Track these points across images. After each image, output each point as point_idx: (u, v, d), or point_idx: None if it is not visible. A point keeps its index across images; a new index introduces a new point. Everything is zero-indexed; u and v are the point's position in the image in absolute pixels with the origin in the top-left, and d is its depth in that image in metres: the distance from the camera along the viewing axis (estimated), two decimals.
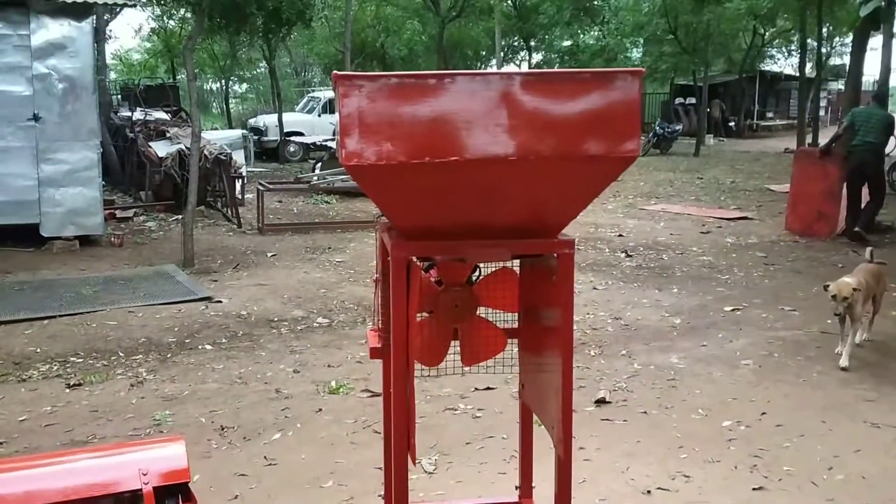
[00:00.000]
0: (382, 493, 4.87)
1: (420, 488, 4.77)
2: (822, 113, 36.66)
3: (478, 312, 2.58)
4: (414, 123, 2.05)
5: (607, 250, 12.65)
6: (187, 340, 8.11)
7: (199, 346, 7.93)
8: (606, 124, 2.10)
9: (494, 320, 2.67)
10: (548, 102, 2.10)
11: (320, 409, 6.25)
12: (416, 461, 2.17)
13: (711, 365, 7.12)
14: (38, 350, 7.74)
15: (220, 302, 9.51)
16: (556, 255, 2.26)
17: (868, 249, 8.10)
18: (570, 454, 2.18)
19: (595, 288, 10.20)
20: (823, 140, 20.00)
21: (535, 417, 2.82)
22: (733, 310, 9.04)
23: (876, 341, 7.70)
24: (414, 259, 2.29)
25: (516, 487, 2.78)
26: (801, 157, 14.57)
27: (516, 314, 2.70)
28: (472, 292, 2.55)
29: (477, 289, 2.56)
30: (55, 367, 7.28)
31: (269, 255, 12.39)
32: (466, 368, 2.74)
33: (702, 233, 14.10)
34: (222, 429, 5.87)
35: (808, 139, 27.72)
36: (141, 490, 2.63)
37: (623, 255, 12.26)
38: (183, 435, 3.09)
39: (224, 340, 8.12)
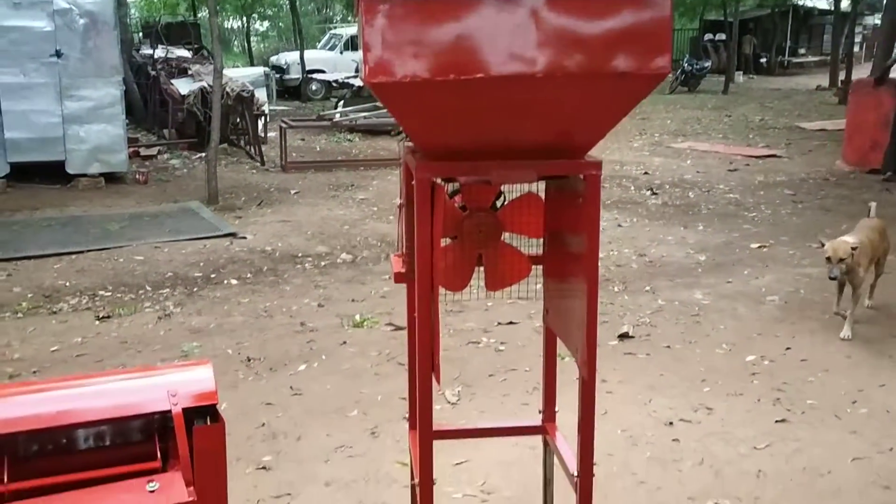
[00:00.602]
0: (407, 417, 4.95)
1: (443, 418, 4.83)
2: (856, 49, 35.58)
3: (502, 238, 2.56)
4: (438, 40, 1.99)
5: (633, 188, 12.52)
6: (213, 275, 8.18)
7: (225, 281, 8.00)
8: (636, 40, 2.03)
9: (518, 246, 2.65)
10: (576, 18, 2.04)
11: (345, 342, 6.31)
12: (441, 389, 2.18)
13: (736, 301, 7.08)
14: (67, 284, 7.86)
15: (245, 238, 9.56)
16: (582, 176, 2.22)
17: (871, 205, 6.93)
18: (594, 376, 2.17)
19: (620, 225, 10.13)
20: (859, 76, 19.49)
21: (559, 347, 2.82)
22: (760, 247, 8.95)
23: None
24: (438, 181, 2.26)
25: (539, 412, 2.79)
26: (857, 88, 14.32)
27: (541, 240, 2.68)
28: (496, 218, 2.52)
29: (501, 214, 2.53)
30: (84, 300, 7.40)
31: (293, 192, 12.40)
32: (491, 295, 2.73)
33: (729, 171, 13.89)
34: (249, 360, 5.96)
35: (842, 76, 26.99)
36: (170, 411, 2.67)
37: (648, 192, 12.13)
38: (209, 360, 3.13)
39: (249, 275, 8.19)
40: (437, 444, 4.53)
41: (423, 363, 2.14)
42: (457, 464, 4.39)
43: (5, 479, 2.52)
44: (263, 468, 4.39)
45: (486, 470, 4.32)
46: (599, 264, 7.93)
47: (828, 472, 4.23)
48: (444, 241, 2.55)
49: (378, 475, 4.29)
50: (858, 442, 4.55)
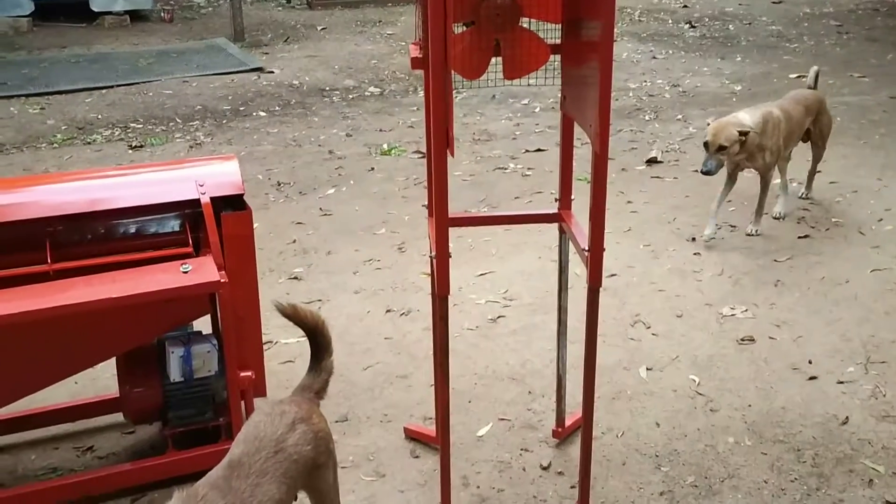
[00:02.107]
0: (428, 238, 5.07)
1: (468, 234, 4.93)
2: None
3: (520, 23, 2.52)
4: None
5: (670, 21, 12.07)
6: (241, 108, 8.20)
7: (254, 113, 8.03)
8: None
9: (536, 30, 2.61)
10: None
11: (372, 168, 6.37)
12: (454, 155, 2.22)
13: None
14: (99, 116, 7.94)
15: (272, 73, 9.49)
16: None
17: (813, 69, 5.51)
18: (606, 149, 2.19)
19: (654, 57, 9.85)
20: None
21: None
22: (798, 76, 8.66)
23: None
24: None
25: (556, 200, 2.85)
26: None
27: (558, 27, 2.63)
28: (514, 2, 2.47)
29: None
30: (117, 132, 7.50)
31: (319, 28, 12.16)
32: (509, 88, 2.72)
33: (773, 3, 13.26)
34: (279, 184, 6.07)
35: None
36: (199, 200, 2.78)
37: (687, 25, 11.69)
38: (235, 155, 3.20)
39: (277, 108, 8.19)
40: (462, 258, 4.69)
41: (438, 141, 2.18)
42: (480, 274, 4.52)
43: (49, 260, 2.67)
44: (295, 278, 4.57)
45: (508, 279, 4.46)
46: (631, 94, 7.82)
47: (846, 281, 4.30)
48: (461, 28, 2.53)
49: (404, 284, 4.45)
50: (880, 255, 4.59)
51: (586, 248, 2.36)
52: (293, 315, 2.39)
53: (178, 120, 7.83)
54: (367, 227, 5.25)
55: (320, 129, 7.46)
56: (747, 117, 4.69)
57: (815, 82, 5.45)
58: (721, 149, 4.56)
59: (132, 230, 2.84)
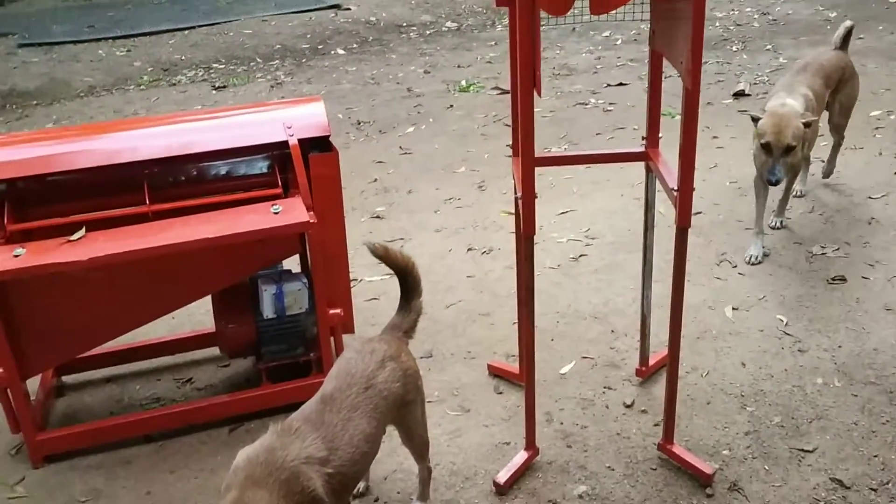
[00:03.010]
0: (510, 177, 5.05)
1: (548, 171, 4.89)
2: None
3: None
4: None
5: None
6: (320, 46, 8.23)
7: (332, 51, 8.06)
8: None
9: None
10: None
11: (451, 106, 6.35)
12: (540, 99, 2.20)
13: (867, 57, 6.61)
14: (183, 58, 8.10)
15: (349, 9, 9.47)
16: None
17: (843, 26, 4.39)
18: (698, 86, 2.13)
19: None
20: None
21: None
22: None
23: None
24: None
25: (643, 138, 2.80)
26: None
27: None
28: None
29: None
30: (200, 73, 7.64)
31: None
32: (594, 26, 2.66)
33: None
34: (359, 123, 6.11)
35: None
36: (287, 142, 2.83)
37: None
38: (321, 97, 3.24)
39: (355, 45, 8.20)
40: (544, 196, 4.66)
41: (524, 81, 2.16)
42: (561, 213, 4.50)
43: (147, 202, 2.78)
44: (377, 217, 4.64)
45: (590, 218, 4.42)
46: (717, 24, 7.53)
47: None
48: None
49: (485, 223, 4.47)
50: None
51: (675, 188, 2.33)
52: (385, 256, 2.43)
53: (259, 59, 7.92)
54: (446, 166, 5.26)
55: (398, 67, 7.45)
56: (795, 104, 3.78)
57: (845, 42, 4.37)
58: (789, 150, 3.64)
59: (223, 172, 2.92)
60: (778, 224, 4.16)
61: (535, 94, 2.17)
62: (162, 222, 2.71)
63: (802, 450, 2.75)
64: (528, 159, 2.27)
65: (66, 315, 2.72)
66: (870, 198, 4.41)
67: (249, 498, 1.88)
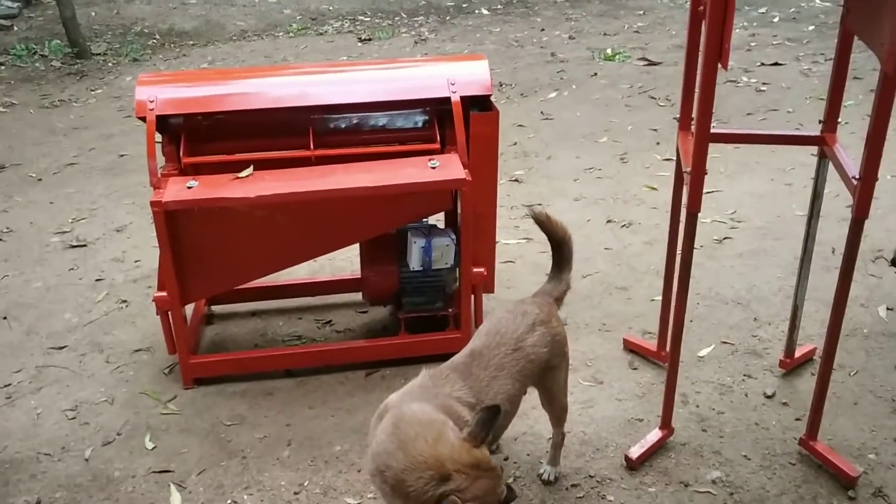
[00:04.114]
0: (656, 151, 4.91)
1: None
2: None
3: None
4: None
5: None
6: (464, 5, 8.23)
7: (476, 11, 8.03)
8: None
9: None
10: None
11: (595, 74, 6.24)
12: (727, 70, 2.13)
13: None
14: (331, 8, 8.26)
15: None
16: None
17: None
18: None
19: None
20: None
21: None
22: None
23: None
24: None
25: (820, 122, 2.66)
26: None
27: None
28: None
29: None
30: (346, 24, 7.78)
31: None
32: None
33: None
34: (500, 85, 6.09)
35: None
36: (449, 98, 2.85)
37: None
38: (485, 55, 3.25)
39: (499, 6, 8.14)
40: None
41: (711, 50, 2.09)
42: (707, 192, 4.34)
43: (311, 146, 2.87)
44: (516, 181, 4.63)
45: (736, 200, 4.28)
46: None
47: None
48: None
49: (626, 196, 4.39)
50: None
51: (856, 177, 2.21)
52: (546, 223, 2.43)
53: (404, 14, 7.99)
54: (588, 135, 5.19)
55: (542, 31, 7.36)
56: None
57: None
58: None
59: (385, 123, 2.97)
60: None
61: (721, 67, 2.10)
62: (325, 167, 2.79)
63: None
64: (703, 134, 2.20)
65: (227, 248, 2.86)
66: None
67: (408, 406, 1.96)
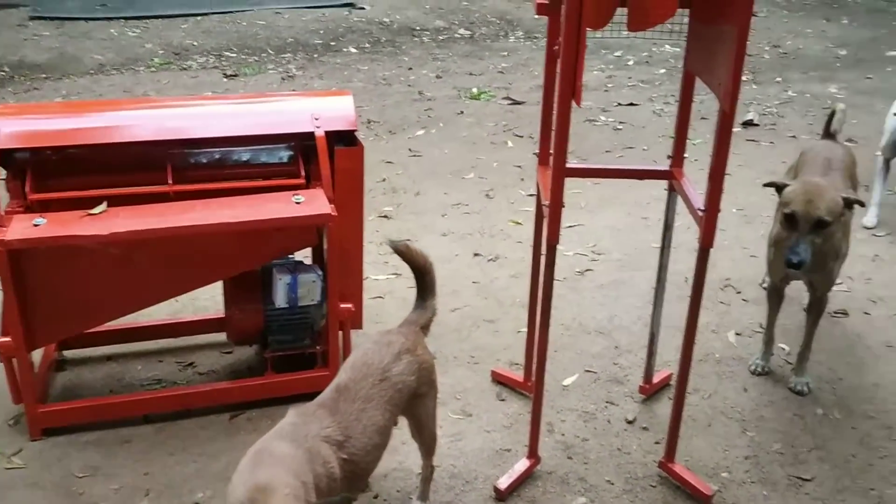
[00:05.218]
0: (521, 188, 5.06)
1: None
2: None
3: None
4: None
5: None
6: (332, 43, 8.24)
7: (344, 49, 8.06)
8: None
9: None
10: None
11: (462, 112, 6.37)
12: (581, 104, 2.22)
13: (874, 97, 6.69)
14: (195, 43, 8.08)
15: (363, 9, 9.49)
16: None
17: (839, 109, 3.70)
18: (734, 108, 2.16)
19: (755, 15, 9.50)
20: None
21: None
22: None
23: None
24: None
25: (668, 157, 2.82)
26: None
27: None
28: None
29: None
30: (211, 60, 7.63)
31: None
32: (630, 41, 2.68)
33: None
34: (369, 122, 6.12)
35: None
36: (314, 133, 2.83)
37: None
38: (351, 91, 3.25)
39: (368, 45, 8.21)
40: None
41: (566, 89, 2.18)
42: (569, 226, 4.52)
43: (170, 182, 2.77)
44: (385, 217, 4.64)
45: (596, 234, 4.45)
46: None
47: None
48: None
49: (492, 230, 4.48)
50: None
51: (701, 208, 2.35)
52: (406, 253, 2.45)
53: (271, 51, 7.92)
54: (455, 171, 5.28)
55: (410, 69, 7.46)
56: (827, 182, 3.02)
57: (836, 127, 3.68)
58: (821, 225, 2.81)
59: (248, 158, 2.92)
60: (801, 388, 3.20)
61: (575, 104, 2.19)
62: (184, 203, 2.70)
63: (801, 478, 2.77)
64: (559, 169, 2.28)
65: (78, 289, 2.71)
66: (874, 235, 4.46)
67: (275, 447, 1.91)
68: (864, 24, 9.09)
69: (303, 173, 2.90)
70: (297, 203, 2.71)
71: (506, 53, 7.94)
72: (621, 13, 2.53)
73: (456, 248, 4.31)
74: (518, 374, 3.20)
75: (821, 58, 7.89)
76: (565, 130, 2.23)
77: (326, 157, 2.80)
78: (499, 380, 3.24)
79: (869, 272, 4.09)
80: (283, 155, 2.94)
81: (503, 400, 3.15)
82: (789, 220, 2.86)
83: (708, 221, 2.33)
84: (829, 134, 3.69)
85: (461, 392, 3.18)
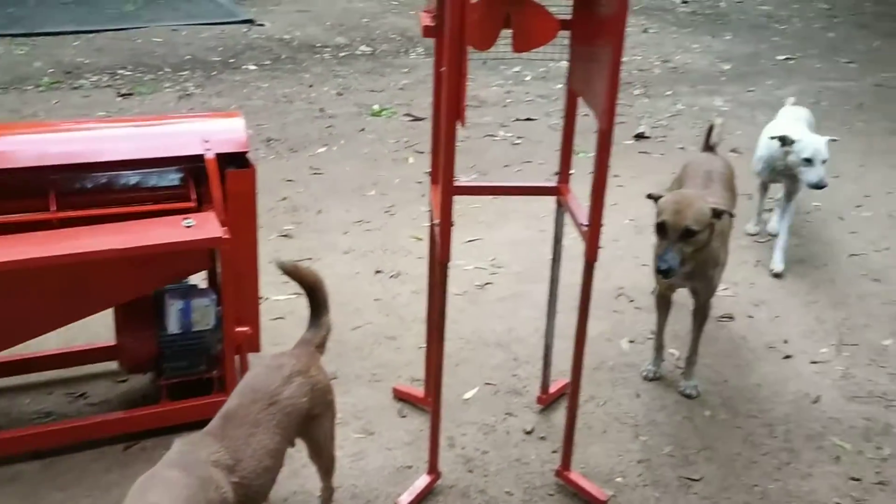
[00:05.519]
0: (422, 203, 5.10)
1: (458, 200, 4.97)
2: None
3: None
4: None
5: None
6: (231, 60, 8.13)
7: (244, 66, 7.96)
8: None
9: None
10: None
11: (363, 129, 6.38)
12: (463, 126, 2.28)
13: (756, 109, 7.04)
14: (87, 61, 7.83)
15: (263, 25, 9.39)
16: None
17: (717, 123, 3.97)
18: (611, 125, 2.26)
19: (646, 31, 9.87)
20: None
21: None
22: (786, 59, 8.77)
23: None
24: None
25: (555, 174, 2.91)
26: None
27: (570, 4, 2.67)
28: None
29: None
30: (105, 78, 7.41)
31: None
32: (518, 55, 2.75)
33: None
34: (269, 140, 6.07)
35: None
36: (203, 156, 2.80)
37: (678, 0, 11.70)
38: (240, 112, 3.23)
39: (268, 62, 8.13)
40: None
41: (450, 110, 2.23)
42: (469, 241, 4.59)
43: (53, 208, 2.69)
44: (286, 236, 4.61)
45: (496, 247, 4.53)
46: (622, 69, 7.79)
47: (824, 264, 4.43)
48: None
49: (394, 247, 4.51)
50: (857, 241, 4.72)
51: (585, 224, 2.43)
52: (294, 273, 2.45)
53: (168, 69, 7.75)
54: (357, 188, 5.29)
55: (311, 87, 7.43)
56: (704, 195, 3.15)
57: (715, 140, 3.90)
58: (689, 234, 2.92)
59: (136, 182, 2.86)
60: (689, 391, 3.35)
61: (459, 124, 2.24)
62: (69, 230, 2.63)
63: (690, 478, 2.90)
64: (447, 187, 2.33)
65: None
66: (756, 241, 4.69)
67: (164, 474, 1.88)
68: (747, 40, 9.55)
69: (194, 196, 2.86)
70: (188, 227, 2.68)
71: (407, 70, 8.00)
72: (507, 33, 2.62)
73: (358, 266, 4.32)
74: (419, 391, 3.23)
75: (707, 72, 8.25)
76: (452, 150, 2.28)
77: (217, 180, 2.77)
78: (400, 397, 3.26)
79: (752, 277, 4.30)
80: (174, 178, 2.90)
81: (405, 417, 3.17)
82: (660, 230, 2.98)
83: (591, 236, 2.42)
84: (708, 147, 3.88)
85: (362, 411, 3.19)
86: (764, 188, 4.73)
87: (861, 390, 3.41)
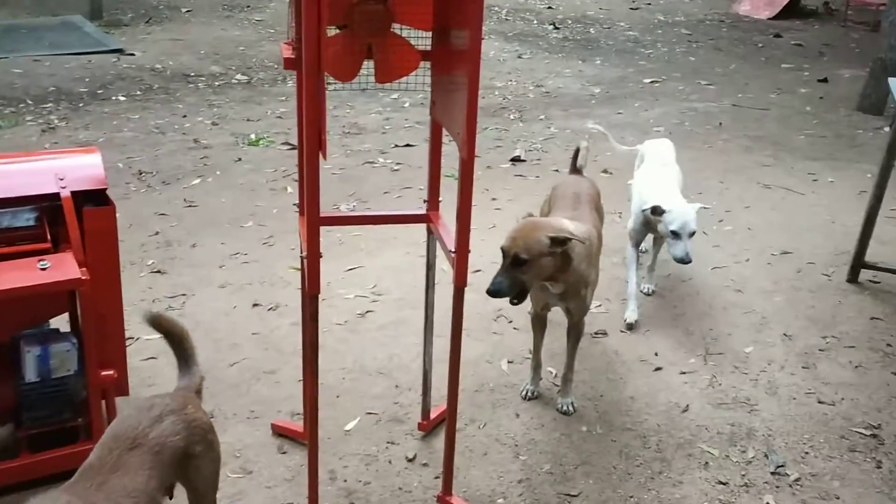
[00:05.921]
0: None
1: (338, 229, 4.95)
2: None
3: (392, 29, 2.59)
4: None
5: (535, 22, 12.47)
6: (99, 91, 7.85)
7: (113, 97, 7.71)
8: None
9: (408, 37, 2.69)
10: None
11: (239, 159, 6.28)
12: (327, 161, 2.27)
13: (625, 130, 7.34)
14: None
15: (133, 55, 9.13)
16: None
17: (582, 146, 4.04)
18: (472, 156, 2.31)
19: (520, 57, 10.17)
20: None
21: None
22: (652, 82, 9.20)
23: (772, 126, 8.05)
24: None
25: (424, 201, 2.94)
26: None
27: (430, 35, 2.72)
28: (387, 8, 2.54)
29: (392, 4, 2.55)
30: None
31: (184, 10, 11.77)
32: (381, 93, 2.78)
33: (631, 9, 13.96)
34: (140, 173, 5.88)
35: None
36: (59, 194, 2.69)
37: (551, 27, 12.12)
38: (97, 147, 3.11)
39: (139, 93, 7.90)
40: (332, 252, 4.71)
41: (311, 143, 2.22)
42: (349, 269, 4.57)
43: None
44: (158, 272, 4.46)
45: (377, 275, 4.53)
46: (497, 93, 8.01)
47: (689, 278, 4.64)
48: (334, 31, 2.57)
49: (272, 279, 4.44)
50: (719, 254, 4.97)
51: (453, 250, 2.47)
52: (161, 323, 2.39)
53: (29, 101, 7.41)
54: (233, 220, 5.18)
55: (184, 117, 7.26)
56: (571, 225, 3.16)
57: (581, 163, 4.00)
58: (518, 262, 2.98)
59: None
60: (566, 408, 3.43)
61: (322, 157, 2.24)
62: None
63: (569, 494, 2.96)
64: (313, 219, 2.32)
65: None
66: (625, 258, 4.87)
67: None
68: (615, 64, 9.97)
69: (49, 237, 2.74)
70: (43, 269, 2.55)
71: (284, 98, 7.93)
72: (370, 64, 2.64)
73: (234, 300, 4.22)
74: (298, 425, 3.18)
75: (578, 95, 8.55)
76: (315, 182, 2.27)
77: (74, 219, 2.66)
78: (280, 432, 3.20)
79: (624, 293, 4.45)
80: (28, 218, 2.76)
81: (285, 453, 3.11)
82: (503, 251, 3.05)
83: (459, 262, 2.45)
84: (575, 169, 4.01)
85: (240, 449, 3.11)
86: (637, 244, 4.44)
87: (726, 397, 3.58)
